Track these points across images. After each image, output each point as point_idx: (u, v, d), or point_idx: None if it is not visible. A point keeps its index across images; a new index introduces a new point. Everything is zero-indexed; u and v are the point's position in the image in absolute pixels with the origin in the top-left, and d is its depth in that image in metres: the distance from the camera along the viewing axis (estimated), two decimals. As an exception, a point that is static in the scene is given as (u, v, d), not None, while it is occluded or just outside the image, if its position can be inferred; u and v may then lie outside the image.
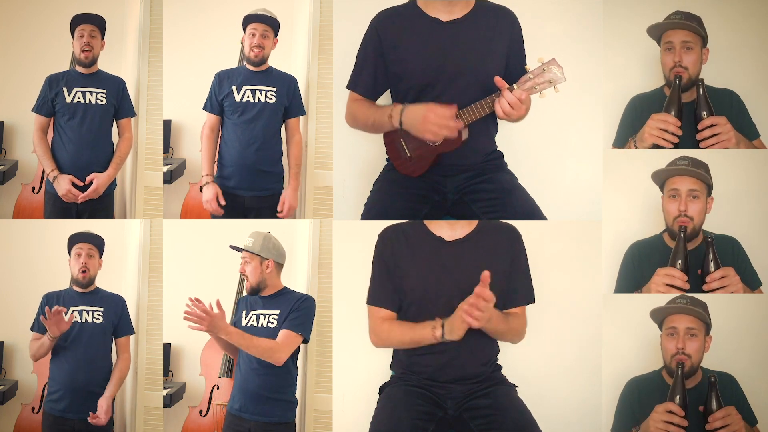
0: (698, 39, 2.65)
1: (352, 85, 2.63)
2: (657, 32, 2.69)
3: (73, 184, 2.85)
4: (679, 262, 2.55)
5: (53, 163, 2.87)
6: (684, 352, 2.52)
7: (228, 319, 2.65)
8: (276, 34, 2.91)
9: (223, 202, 2.87)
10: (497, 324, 2.31)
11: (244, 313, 2.78)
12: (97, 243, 2.86)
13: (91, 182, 2.86)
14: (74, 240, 2.84)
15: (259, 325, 2.74)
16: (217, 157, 2.91)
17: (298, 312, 2.73)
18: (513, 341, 2.48)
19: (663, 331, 2.59)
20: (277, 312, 2.74)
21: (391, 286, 2.42)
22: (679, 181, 2.60)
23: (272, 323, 2.74)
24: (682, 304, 2.54)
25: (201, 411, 3.01)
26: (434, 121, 2.39)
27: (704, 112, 2.62)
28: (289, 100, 2.92)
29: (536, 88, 2.37)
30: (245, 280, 2.78)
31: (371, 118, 2.55)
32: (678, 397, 2.49)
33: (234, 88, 2.88)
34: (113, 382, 2.82)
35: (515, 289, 2.44)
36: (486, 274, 2.18)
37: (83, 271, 2.83)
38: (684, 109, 2.64)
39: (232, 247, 2.77)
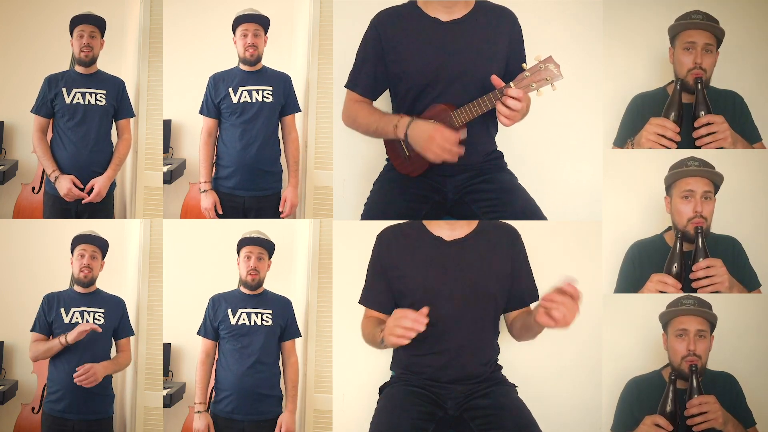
0: (716, 42, 2.65)
1: (351, 85, 2.63)
2: (676, 30, 2.68)
3: (74, 184, 2.85)
4: (675, 265, 2.55)
5: (54, 163, 2.86)
6: (695, 353, 2.52)
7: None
8: (266, 32, 2.91)
9: (220, 212, 2.88)
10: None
11: (229, 311, 2.80)
12: (101, 245, 2.86)
13: (92, 187, 2.86)
14: (78, 241, 2.84)
15: (252, 323, 2.80)
16: (215, 158, 2.92)
17: (293, 320, 2.87)
18: (528, 340, 2.48)
19: (670, 332, 2.58)
20: (270, 312, 2.82)
21: (382, 289, 2.43)
22: (694, 182, 2.59)
23: (267, 321, 2.81)
24: (691, 306, 2.53)
25: (201, 411, 3.01)
26: (439, 144, 2.38)
27: (702, 111, 2.62)
28: (285, 98, 2.92)
29: (533, 86, 2.36)
30: (248, 276, 2.82)
31: (374, 125, 2.55)
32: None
33: (230, 90, 2.88)
34: (112, 365, 2.85)
35: (520, 289, 2.44)
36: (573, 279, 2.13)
37: (85, 272, 2.83)
38: (684, 111, 2.63)
39: (254, 239, 2.80)
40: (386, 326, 2.20)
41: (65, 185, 2.84)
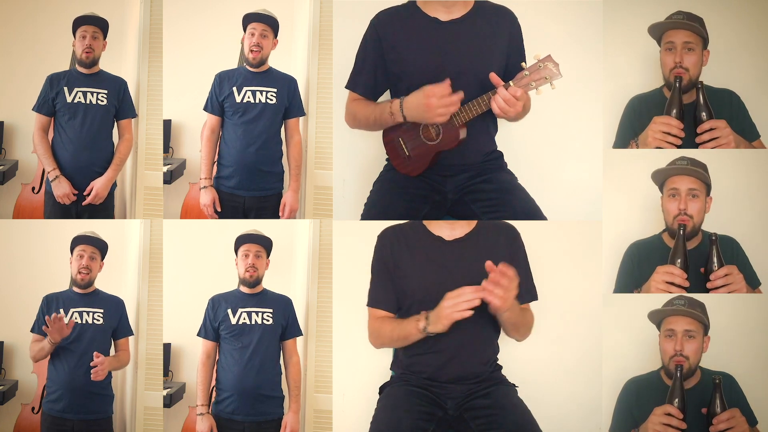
0: (700, 40, 2.65)
1: (351, 85, 2.63)
2: (658, 32, 2.69)
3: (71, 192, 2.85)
4: (679, 260, 2.55)
5: (54, 162, 2.87)
6: (682, 353, 2.52)
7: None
8: (276, 35, 2.91)
9: (219, 209, 2.88)
10: (516, 312, 2.33)
11: (230, 311, 2.80)
12: (100, 246, 2.86)
13: (91, 189, 2.86)
14: (77, 242, 2.84)
15: (252, 322, 2.79)
16: (216, 157, 2.92)
17: (294, 318, 2.86)
18: (522, 337, 2.48)
19: (661, 332, 2.58)
20: (271, 311, 2.82)
21: (390, 288, 2.43)
22: (679, 181, 2.60)
23: (267, 320, 2.81)
24: (680, 306, 2.53)
25: (201, 411, 3.01)
26: (437, 105, 2.38)
27: (704, 114, 2.62)
28: (289, 101, 2.92)
29: (532, 84, 2.36)
30: (246, 273, 2.82)
31: (371, 116, 2.55)
32: (677, 399, 2.48)
33: (234, 89, 2.88)
34: (115, 361, 2.87)
35: (518, 288, 2.43)
36: (490, 263, 2.19)
37: (83, 273, 2.83)
38: (684, 111, 2.64)
39: (252, 236, 2.81)
40: (441, 308, 2.23)
41: (62, 189, 2.84)
